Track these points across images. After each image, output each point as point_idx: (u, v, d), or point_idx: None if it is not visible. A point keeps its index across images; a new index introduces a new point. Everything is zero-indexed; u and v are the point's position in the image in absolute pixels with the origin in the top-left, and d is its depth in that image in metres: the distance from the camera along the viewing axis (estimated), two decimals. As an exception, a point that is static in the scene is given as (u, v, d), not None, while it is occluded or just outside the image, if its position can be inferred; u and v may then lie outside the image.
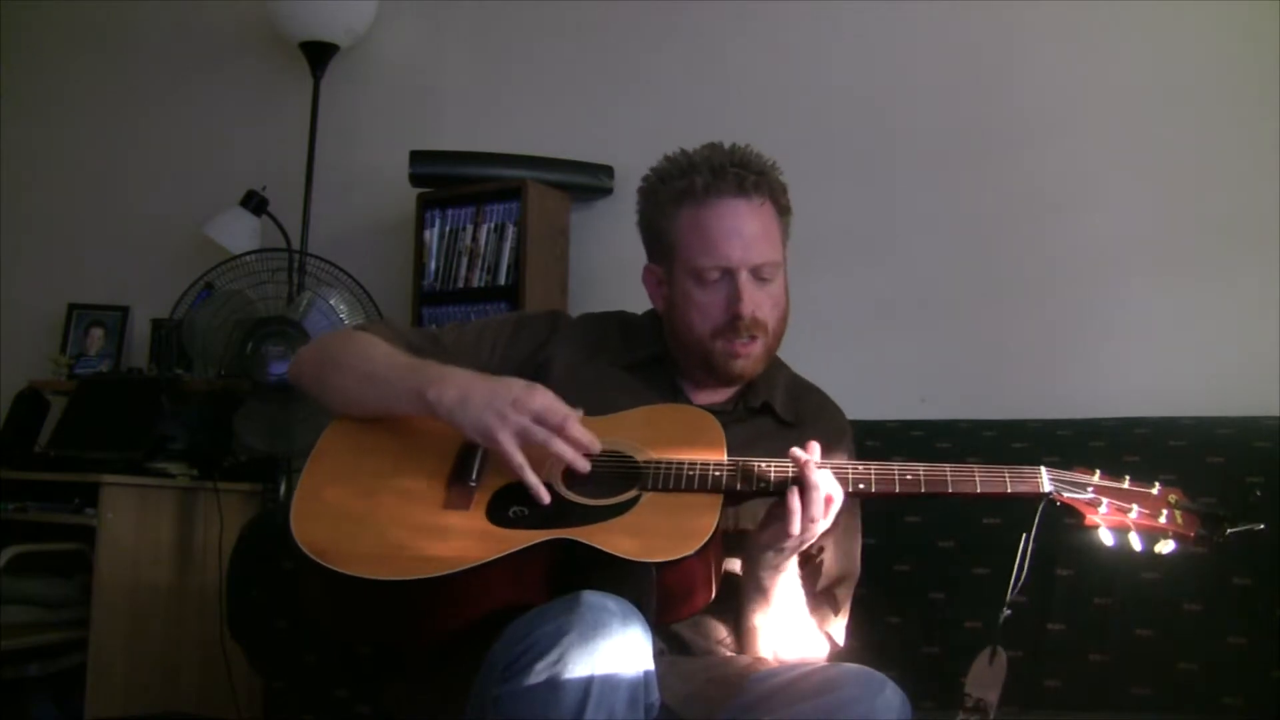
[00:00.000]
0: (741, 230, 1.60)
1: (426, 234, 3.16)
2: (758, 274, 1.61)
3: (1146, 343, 2.51)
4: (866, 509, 1.76)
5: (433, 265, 3.15)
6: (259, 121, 3.79)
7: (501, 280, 3.06)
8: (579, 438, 1.45)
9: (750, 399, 1.68)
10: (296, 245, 3.42)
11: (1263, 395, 2.25)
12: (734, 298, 1.59)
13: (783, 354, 1.76)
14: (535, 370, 1.64)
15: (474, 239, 3.12)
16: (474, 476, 1.47)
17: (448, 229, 3.16)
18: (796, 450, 1.43)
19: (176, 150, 3.91)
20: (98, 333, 3.79)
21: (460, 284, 3.11)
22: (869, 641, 1.87)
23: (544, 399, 1.45)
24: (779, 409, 1.69)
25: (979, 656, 1.32)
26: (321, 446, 1.56)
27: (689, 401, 1.67)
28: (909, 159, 2.82)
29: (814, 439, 1.59)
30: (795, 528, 1.39)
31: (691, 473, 1.45)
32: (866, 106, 2.89)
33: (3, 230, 4.08)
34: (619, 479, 1.47)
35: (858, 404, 2.39)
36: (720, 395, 1.70)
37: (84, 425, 3.20)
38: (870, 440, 2.17)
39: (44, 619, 2.96)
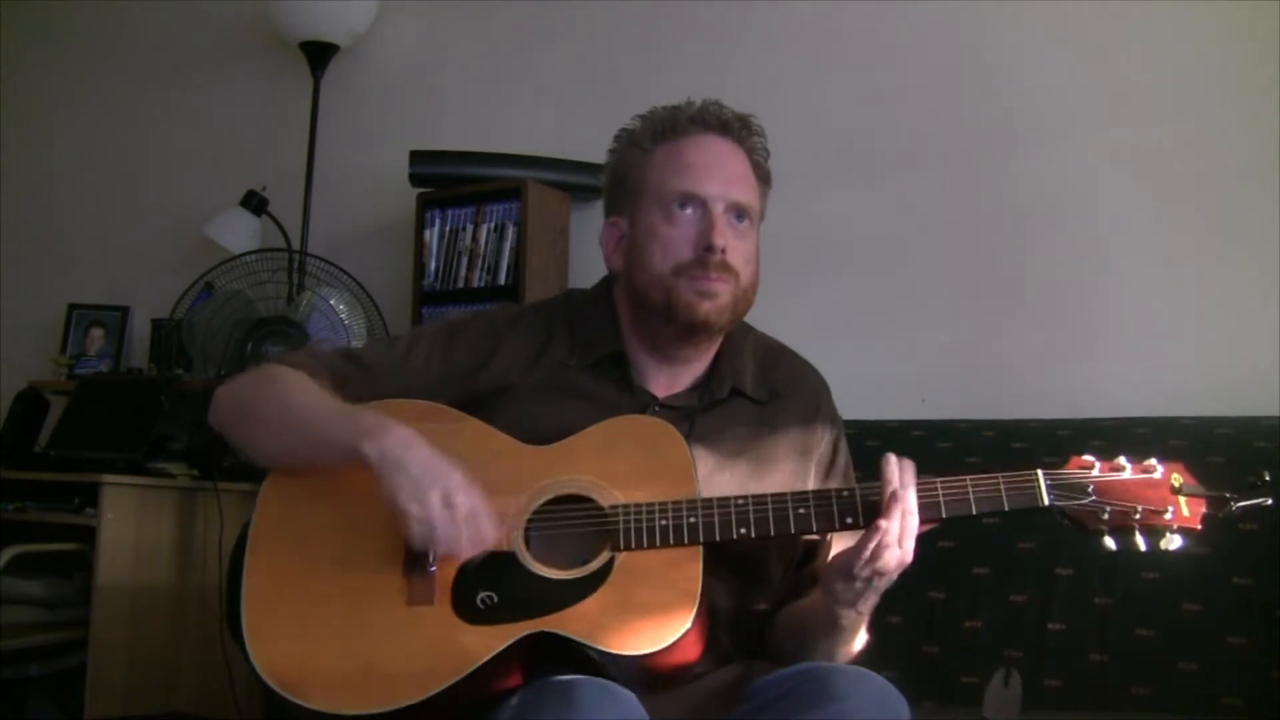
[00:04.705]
0: (723, 165, 1.51)
1: (426, 234, 3.16)
2: (734, 214, 1.49)
3: (1146, 343, 2.51)
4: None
5: (433, 265, 3.15)
6: (259, 121, 3.79)
7: (501, 280, 3.06)
8: (481, 544, 1.36)
9: (716, 389, 1.54)
10: (296, 245, 3.42)
11: (1263, 395, 2.25)
12: (706, 229, 1.46)
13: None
14: (478, 394, 1.52)
15: (474, 239, 3.12)
16: (431, 559, 1.37)
17: (448, 229, 3.16)
18: (890, 461, 1.35)
19: (176, 150, 3.91)
20: (98, 333, 3.79)
21: (460, 284, 3.11)
22: (869, 641, 1.87)
23: (473, 503, 1.35)
24: (750, 389, 1.56)
25: (993, 681, 1.29)
26: (257, 531, 1.44)
27: (649, 395, 1.54)
28: (908, 159, 2.82)
29: (790, 412, 1.56)
30: (869, 549, 1.32)
31: (664, 523, 1.36)
32: (865, 107, 2.89)
33: (3, 230, 4.09)
34: (587, 536, 1.39)
35: (858, 404, 2.39)
36: (681, 382, 1.55)
37: (84, 425, 3.20)
38: (870, 440, 2.16)
39: (44, 619, 2.95)
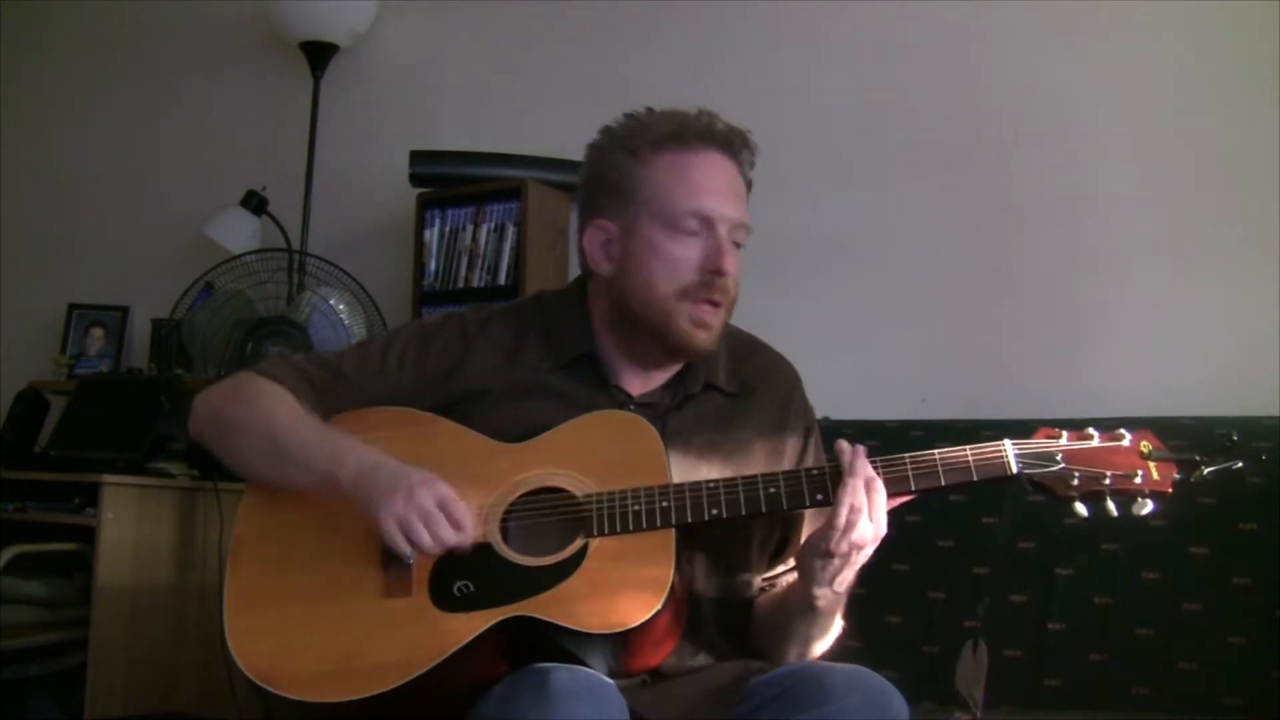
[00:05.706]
0: (730, 185, 1.50)
1: (426, 234, 3.17)
2: (736, 236, 1.49)
3: (1146, 343, 2.51)
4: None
5: (433, 265, 3.15)
6: (259, 121, 3.79)
7: (501, 280, 3.06)
8: (462, 539, 1.38)
9: (690, 384, 1.54)
10: (296, 245, 3.42)
11: (1263, 395, 2.25)
12: (715, 252, 1.46)
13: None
14: (454, 399, 1.52)
15: (474, 239, 3.12)
16: (408, 553, 1.38)
17: (448, 229, 3.16)
18: (842, 443, 1.37)
19: (176, 150, 3.91)
20: (98, 333, 3.80)
21: (460, 284, 3.11)
22: (869, 641, 1.87)
23: (436, 495, 1.36)
24: (723, 383, 1.56)
25: (963, 652, 1.30)
26: (240, 536, 1.48)
27: (624, 393, 1.54)
28: (908, 160, 2.82)
29: (763, 406, 1.56)
30: (841, 520, 1.33)
31: (637, 508, 1.37)
32: (865, 107, 2.89)
33: (3, 230, 4.09)
34: (562, 525, 1.41)
35: (858, 404, 2.40)
36: (655, 381, 1.55)
37: (84, 425, 3.20)
38: (870, 440, 2.16)
39: (44, 619, 2.95)
